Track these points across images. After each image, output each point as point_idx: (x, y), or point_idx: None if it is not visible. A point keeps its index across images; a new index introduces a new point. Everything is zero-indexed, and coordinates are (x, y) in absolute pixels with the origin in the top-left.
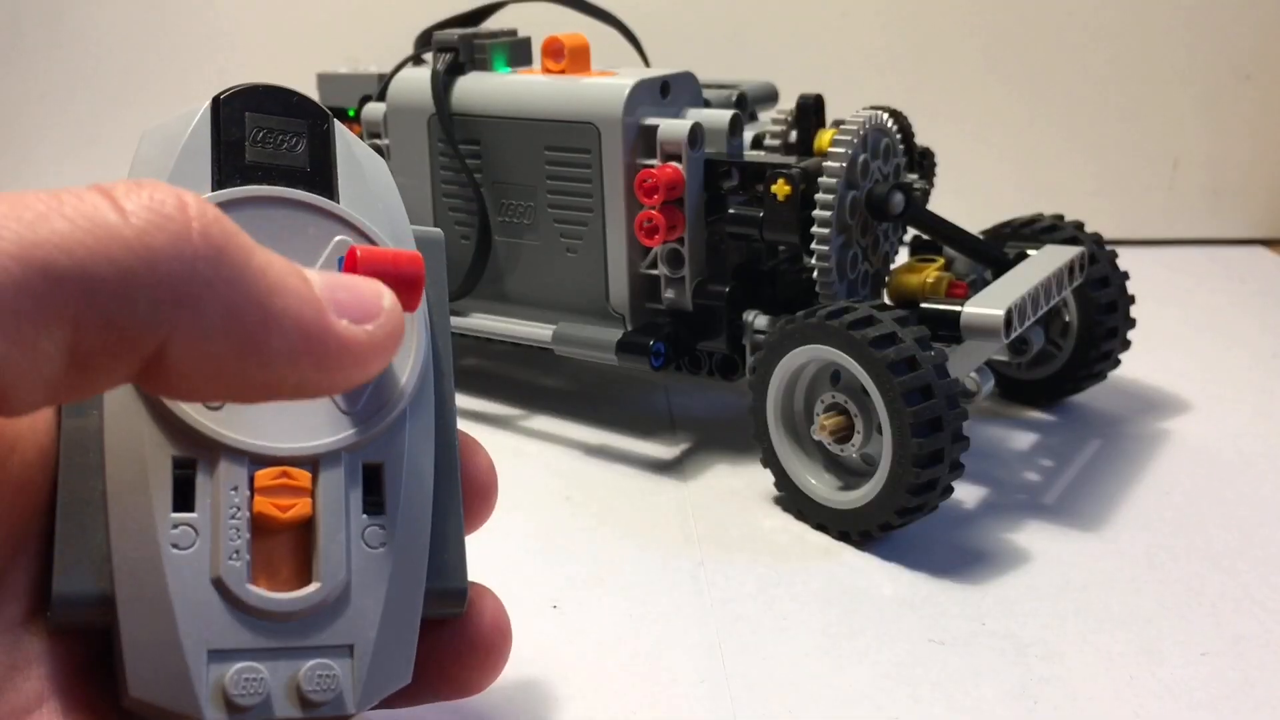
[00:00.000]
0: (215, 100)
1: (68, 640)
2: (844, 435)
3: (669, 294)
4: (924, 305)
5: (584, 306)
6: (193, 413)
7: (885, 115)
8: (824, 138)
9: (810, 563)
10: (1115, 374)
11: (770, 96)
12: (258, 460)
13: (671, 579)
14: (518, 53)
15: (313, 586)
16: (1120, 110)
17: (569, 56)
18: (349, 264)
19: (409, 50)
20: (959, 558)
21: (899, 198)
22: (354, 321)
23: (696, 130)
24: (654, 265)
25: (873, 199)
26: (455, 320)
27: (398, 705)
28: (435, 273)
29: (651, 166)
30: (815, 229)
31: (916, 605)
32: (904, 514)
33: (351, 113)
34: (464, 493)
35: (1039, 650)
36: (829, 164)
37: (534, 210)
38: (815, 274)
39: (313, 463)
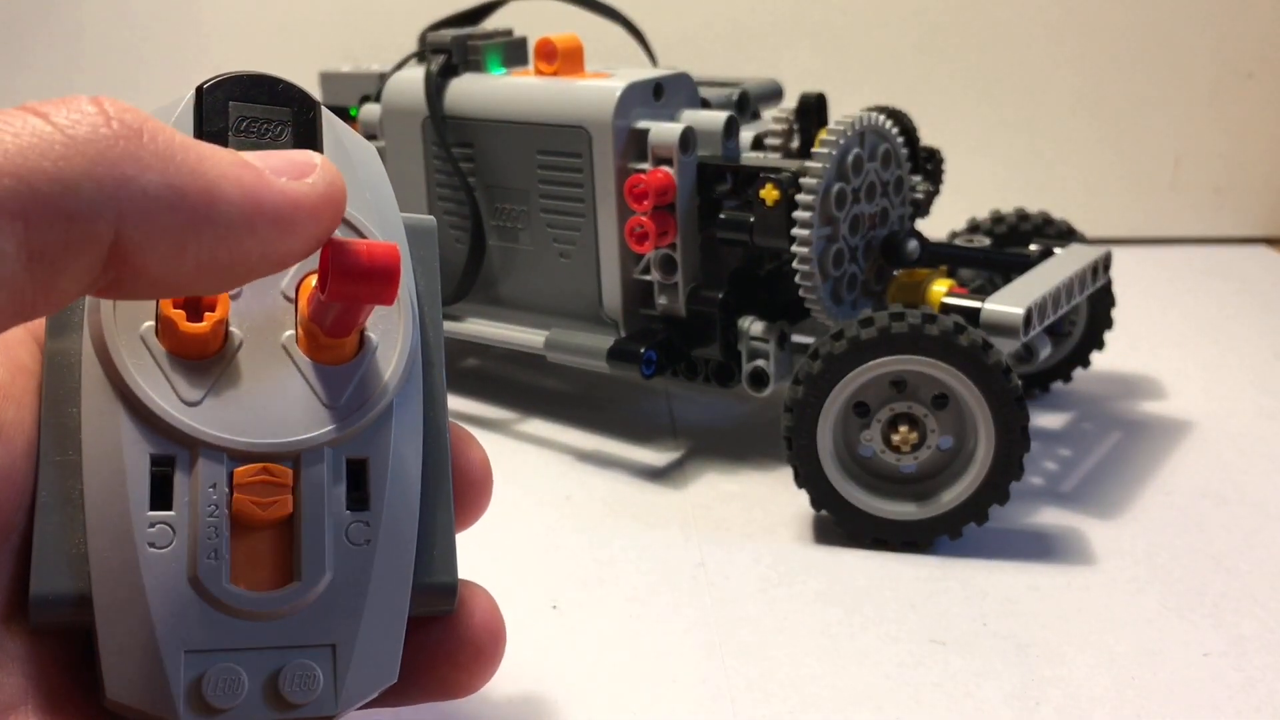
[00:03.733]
0: (199, 89)
1: (50, 639)
2: (914, 446)
3: (662, 300)
4: (945, 301)
5: (577, 312)
6: (171, 409)
7: (880, 116)
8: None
9: (810, 563)
10: (1115, 373)
11: (774, 94)
12: (237, 456)
13: (671, 579)
14: (512, 53)
15: (292, 585)
16: (1122, 108)
17: (561, 57)
18: (323, 259)
19: (414, 48)
20: (960, 557)
21: (914, 244)
22: (292, 179)
23: (688, 134)
24: (647, 271)
25: (888, 243)
26: (449, 325)
27: (386, 706)
28: (427, 261)
29: (643, 171)
30: (795, 230)
31: (917, 605)
32: (958, 528)
33: (354, 112)
34: (456, 488)
35: (1040, 650)
36: (808, 177)
37: (527, 214)
38: (797, 277)
39: (294, 458)
